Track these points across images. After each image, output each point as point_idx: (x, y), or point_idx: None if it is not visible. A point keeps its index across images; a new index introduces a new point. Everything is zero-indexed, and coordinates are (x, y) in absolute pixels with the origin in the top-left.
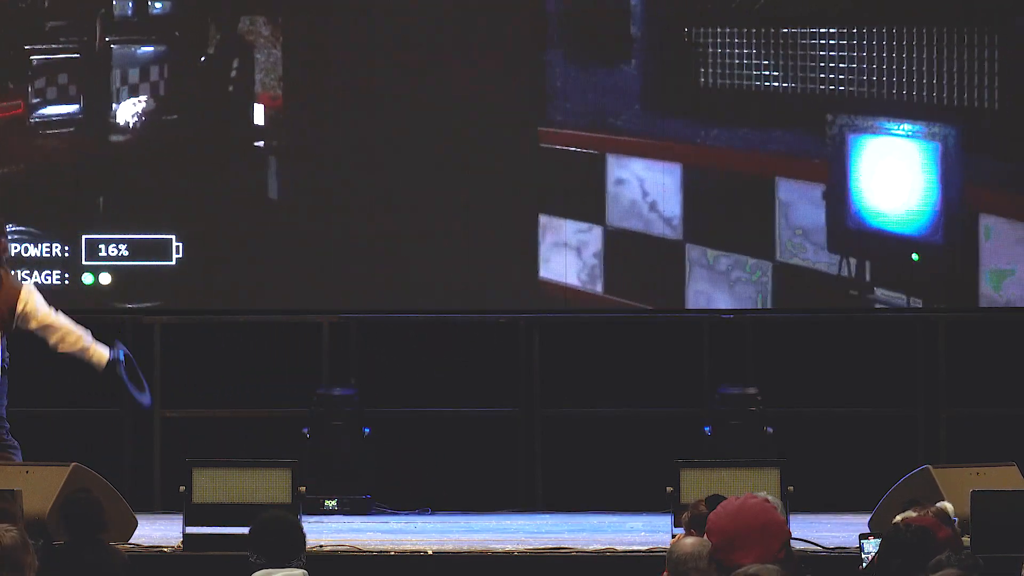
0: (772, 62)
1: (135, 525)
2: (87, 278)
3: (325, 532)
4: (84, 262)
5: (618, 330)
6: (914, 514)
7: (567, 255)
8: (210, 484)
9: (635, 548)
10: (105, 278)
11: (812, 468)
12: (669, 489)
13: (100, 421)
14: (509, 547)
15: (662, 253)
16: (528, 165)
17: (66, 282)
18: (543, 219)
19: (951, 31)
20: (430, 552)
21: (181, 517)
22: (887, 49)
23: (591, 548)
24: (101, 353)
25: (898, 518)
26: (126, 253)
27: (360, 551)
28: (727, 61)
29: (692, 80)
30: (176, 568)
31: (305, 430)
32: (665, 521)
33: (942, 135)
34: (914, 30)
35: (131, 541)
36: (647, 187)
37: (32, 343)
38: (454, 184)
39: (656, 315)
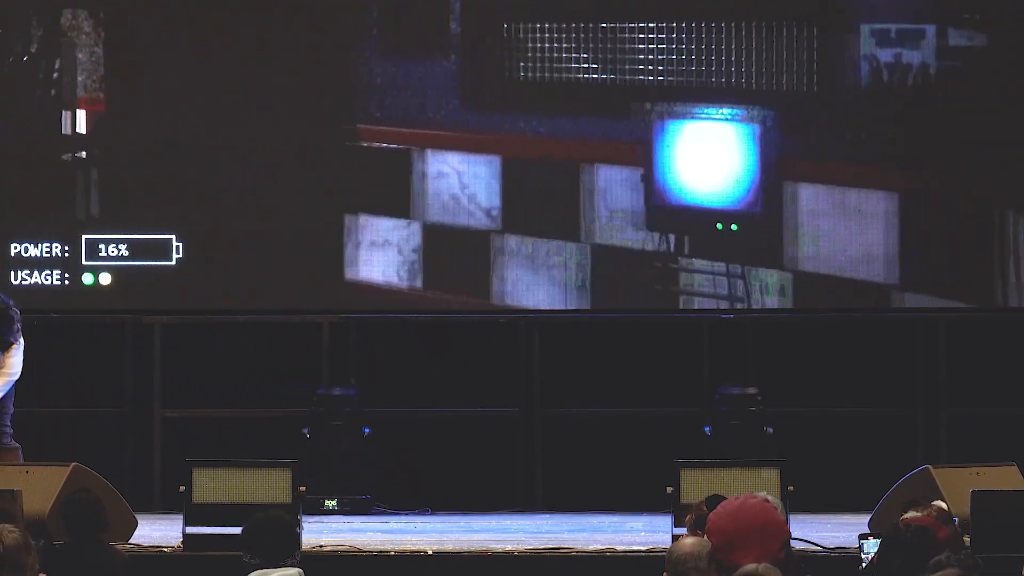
0: (590, 55)
1: (135, 525)
2: (87, 278)
3: (325, 532)
4: (84, 262)
5: (618, 330)
6: (917, 514)
7: (386, 252)
8: (210, 484)
9: (635, 548)
10: (105, 278)
11: (812, 468)
12: (669, 489)
13: (100, 421)
14: (509, 547)
15: (480, 244)
16: (340, 163)
17: (66, 282)
18: (361, 218)
19: (769, 25)
20: (430, 552)
21: (181, 517)
22: (706, 42)
23: (591, 548)
24: None
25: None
26: (126, 253)
27: (360, 551)
28: (546, 56)
29: (511, 74)
30: (176, 568)
31: (305, 430)
32: (665, 521)
33: (760, 117)
34: (732, 24)
35: (131, 541)
36: (465, 180)
37: (31, 344)
38: (268, 183)
39: (656, 315)
